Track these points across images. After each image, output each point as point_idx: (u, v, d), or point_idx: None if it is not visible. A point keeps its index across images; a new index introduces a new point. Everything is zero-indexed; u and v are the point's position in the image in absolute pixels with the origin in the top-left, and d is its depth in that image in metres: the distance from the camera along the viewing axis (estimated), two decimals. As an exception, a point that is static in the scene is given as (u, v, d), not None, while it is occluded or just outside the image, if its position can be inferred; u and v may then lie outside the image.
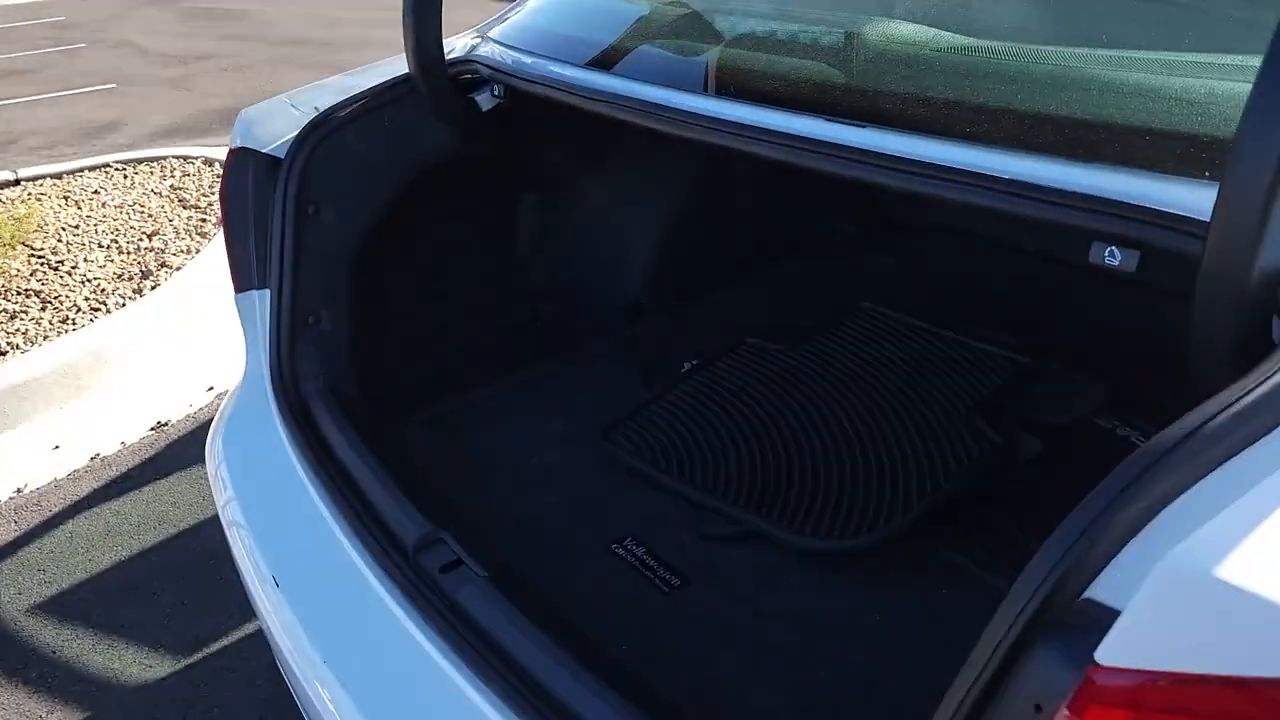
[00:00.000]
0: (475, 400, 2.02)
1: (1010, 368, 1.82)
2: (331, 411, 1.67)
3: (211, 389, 3.59)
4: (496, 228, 2.27)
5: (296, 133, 1.73)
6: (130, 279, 4.18)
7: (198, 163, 5.66)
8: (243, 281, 1.79)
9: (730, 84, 1.40)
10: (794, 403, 1.82)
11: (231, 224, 1.78)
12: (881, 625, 1.38)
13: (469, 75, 1.85)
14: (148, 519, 2.93)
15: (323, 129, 1.73)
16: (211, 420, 3.62)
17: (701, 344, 2.18)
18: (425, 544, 1.33)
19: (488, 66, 1.74)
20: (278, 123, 1.78)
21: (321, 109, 1.77)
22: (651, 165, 2.27)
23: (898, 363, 1.89)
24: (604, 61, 1.66)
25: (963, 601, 1.40)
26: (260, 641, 2.40)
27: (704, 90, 1.43)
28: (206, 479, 3.28)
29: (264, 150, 1.75)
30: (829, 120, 1.12)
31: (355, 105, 1.78)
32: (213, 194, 5.12)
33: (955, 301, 2.23)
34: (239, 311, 1.81)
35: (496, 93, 1.79)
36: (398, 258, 1.93)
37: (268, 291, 1.77)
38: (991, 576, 1.42)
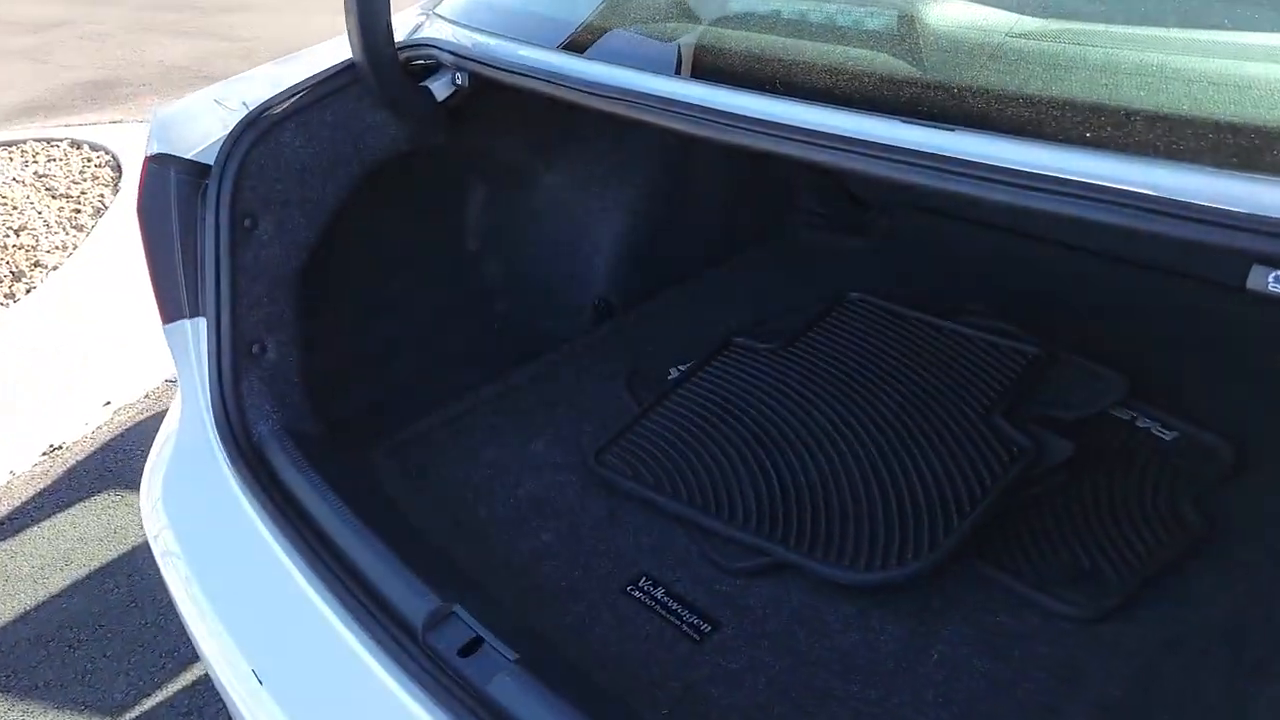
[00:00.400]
0: (443, 421, 1.82)
1: (1020, 359, 1.73)
2: (291, 456, 1.46)
3: (109, 404, 3.24)
4: (445, 225, 2.06)
5: (226, 134, 1.48)
6: None
7: (63, 145, 5.14)
8: (170, 311, 1.54)
9: (735, 71, 1.24)
10: (798, 409, 1.69)
11: (153, 245, 1.52)
12: (942, 662, 1.27)
13: (422, 61, 1.62)
14: (51, 560, 2.62)
15: (257, 128, 1.49)
16: (113, 440, 3.28)
17: (682, 344, 2.02)
18: (435, 621, 1.14)
19: (449, 52, 1.52)
20: (201, 123, 1.52)
21: (252, 105, 1.52)
22: (614, 152, 2.09)
23: (899, 359, 1.78)
24: (579, 44, 1.47)
25: (1020, 627, 1.31)
26: (204, 696, 2.16)
27: (705, 77, 1.26)
28: (114, 508, 2.96)
29: (187, 156, 1.50)
30: (906, 122, 0.97)
31: (292, 99, 1.54)
32: (85, 180, 4.65)
33: (937, 284, 2.14)
34: (170, 345, 1.56)
35: (459, 81, 1.57)
36: (342, 268, 1.70)
37: (202, 320, 1.52)
38: (1042, 596, 1.33)
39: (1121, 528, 1.43)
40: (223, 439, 1.47)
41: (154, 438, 1.61)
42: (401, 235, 1.91)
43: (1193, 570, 1.36)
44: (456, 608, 1.16)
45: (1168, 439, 1.60)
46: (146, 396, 3.33)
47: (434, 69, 1.66)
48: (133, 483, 2.91)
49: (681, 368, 1.90)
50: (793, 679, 1.27)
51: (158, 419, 3.21)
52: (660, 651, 1.33)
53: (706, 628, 1.36)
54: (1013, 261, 2.17)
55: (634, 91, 1.31)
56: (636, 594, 1.43)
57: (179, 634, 2.34)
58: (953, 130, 0.94)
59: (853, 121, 1.03)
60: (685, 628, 1.36)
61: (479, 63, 1.48)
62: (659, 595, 1.42)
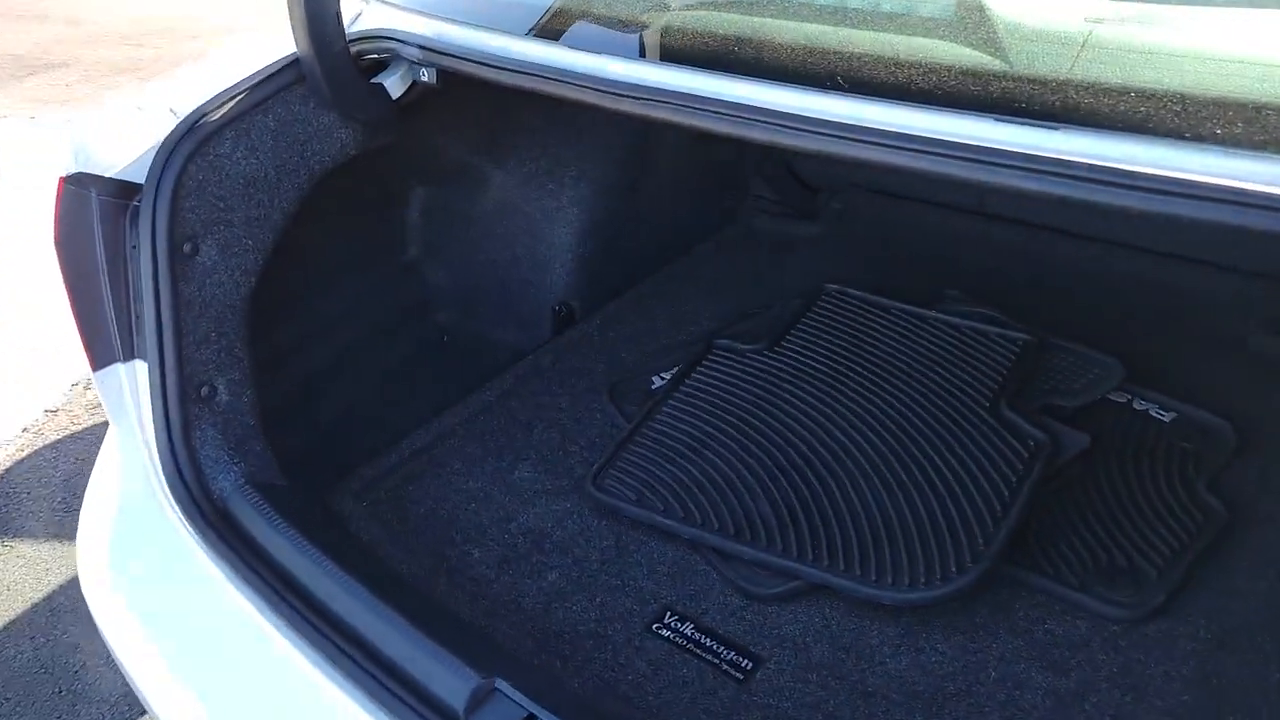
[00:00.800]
0: (410, 453, 1.65)
1: (1011, 347, 1.69)
2: (263, 512, 1.27)
3: (26, 431, 2.89)
4: (385, 232, 1.88)
5: (157, 146, 1.27)
6: None
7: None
8: (101, 354, 1.32)
9: (719, 54, 1.13)
10: (800, 414, 1.60)
11: (75, 280, 1.30)
12: (1001, 680, 1.21)
13: (375, 55, 1.44)
14: (-60, 628, 2.30)
15: (194, 138, 1.28)
16: (18, 462, 2.91)
17: (656, 348, 1.91)
18: (479, 700, 1.00)
19: (415, 45, 1.35)
20: (124, 135, 1.31)
21: (182, 112, 1.31)
22: (567, 146, 1.94)
23: (890, 354, 1.72)
24: (552, 30, 1.32)
25: (1071, 634, 1.26)
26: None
27: (690, 61, 1.14)
28: (16, 553, 2.63)
29: (111, 175, 1.28)
30: (933, 111, 0.87)
31: (230, 104, 1.34)
32: (-76, 189, 4.15)
33: (901, 268, 2.08)
34: (102, 394, 1.34)
35: (425, 77, 1.40)
36: (279, 287, 1.51)
37: (139, 363, 1.31)
38: (1087, 599, 1.29)
39: (1147, 518, 1.40)
40: (179, 499, 1.27)
41: (43, 477, 1.38)
42: (338, 246, 1.72)
43: (1223, 559, 1.35)
44: (499, 683, 1.02)
45: (1167, 420, 1.59)
46: (25, 430, 2.99)
47: (385, 64, 1.48)
48: (21, 530, 2.59)
49: (665, 375, 1.78)
50: (855, 715, 1.18)
51: (43, 455, 2.88)
52: (705, 698, 1.22)
53: (748, 664, 1.26)
54: (971, 241, 2.14)
55: (634, 85, 1.18)
56: (665, 633, 1.32)
57: (105, 701, 2.09)
58: (963, 115, 0.86)
59: (852, 108, 0.94)
60: (725, 666, 1.26)
61: (451, 56, 1.31)
62: (688, 631, 1.32)
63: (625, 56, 1.19)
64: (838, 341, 1.75)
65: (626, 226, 2.06)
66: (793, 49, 1.08)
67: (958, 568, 1.30)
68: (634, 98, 1.11)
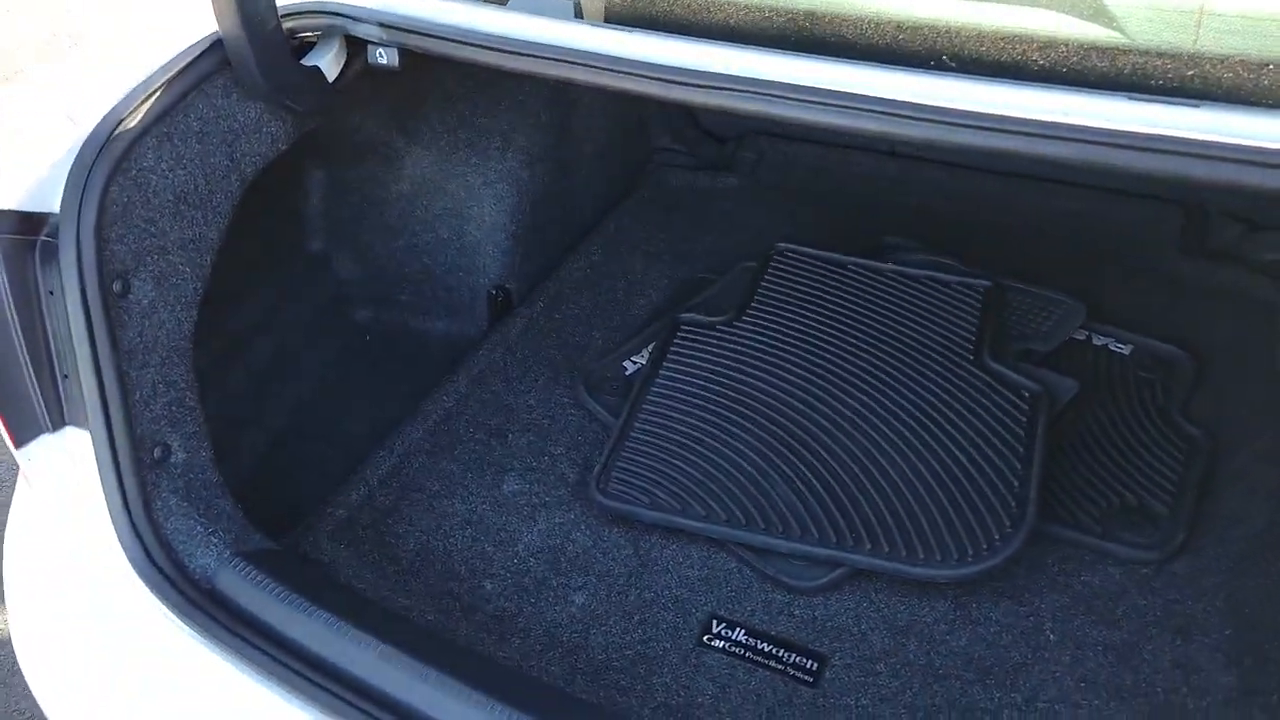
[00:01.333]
0: (378, 480, 1.48)
1: (974, 294, 1.69)
2: (261, 584, 1.09)
3: None
4: (283, 225, 1.65)
5: (67, 165, 1.02)
6: None
7: None
8: (22, 427, 1.07)
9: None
10: (791, 387, 1.54)
11: (-20, 340, 1.04)
12: (1061, 641, 1.22)
13: (308, 34, 1.21)
14: None
15: (110, 155, 1.04)
16: None
17: (612, 327, 1.79)
18: None
19: (369, 22, 1.14)
20: (20, 154, 1.04)
21: (90, 119, 1.06)
22: (489, 116, 1.75)
23: (858, 313, 1.68)
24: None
25: (1108, 584, 1.29)
26: None
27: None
28: None
29: (12, 207, 1.02)
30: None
31: (145, 105, 1.09)
32: None
33: (831, 216, 2.04)
34: (27, 474, 1.09)
35: (382, 58, 1.19)
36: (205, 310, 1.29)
37: (72, 431, 1.08)
38: (1113, 545, 1.31)
39: (1139, 454, 1.45)
40: (155, 585, 1.06)
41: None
42: (237, 248, 1.49)
43: (1217, 487, 1.40)
44: None
45: (1127, 353, 1.64)
46: None
47: (312, 43, 1.25)
48: None
49: (636, 359, 1.67)
50: (935, 701, 1.16)
51: None
52: (783, 709, 1.16)
53: (813, 664, 1.21)
54: (889, 183, 2.12)
55: (625, 60, 1.05)
56: (718, 644, 1.24)
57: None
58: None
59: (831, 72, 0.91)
60: (793, 671, 1.20)
61: (422, 34, 1.11)
62: (742, 639, 1.25)
63: (625, 27, 1.06)
64: (804, 304, 1.69)
65: (556, 197, 1.91)
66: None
67: (1000, 534, 1.29)
68: (642, 75, 0.98)
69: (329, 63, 1.24)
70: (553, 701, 1.06)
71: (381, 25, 1.13)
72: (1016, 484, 1.35)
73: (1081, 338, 1.67)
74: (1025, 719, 1.13)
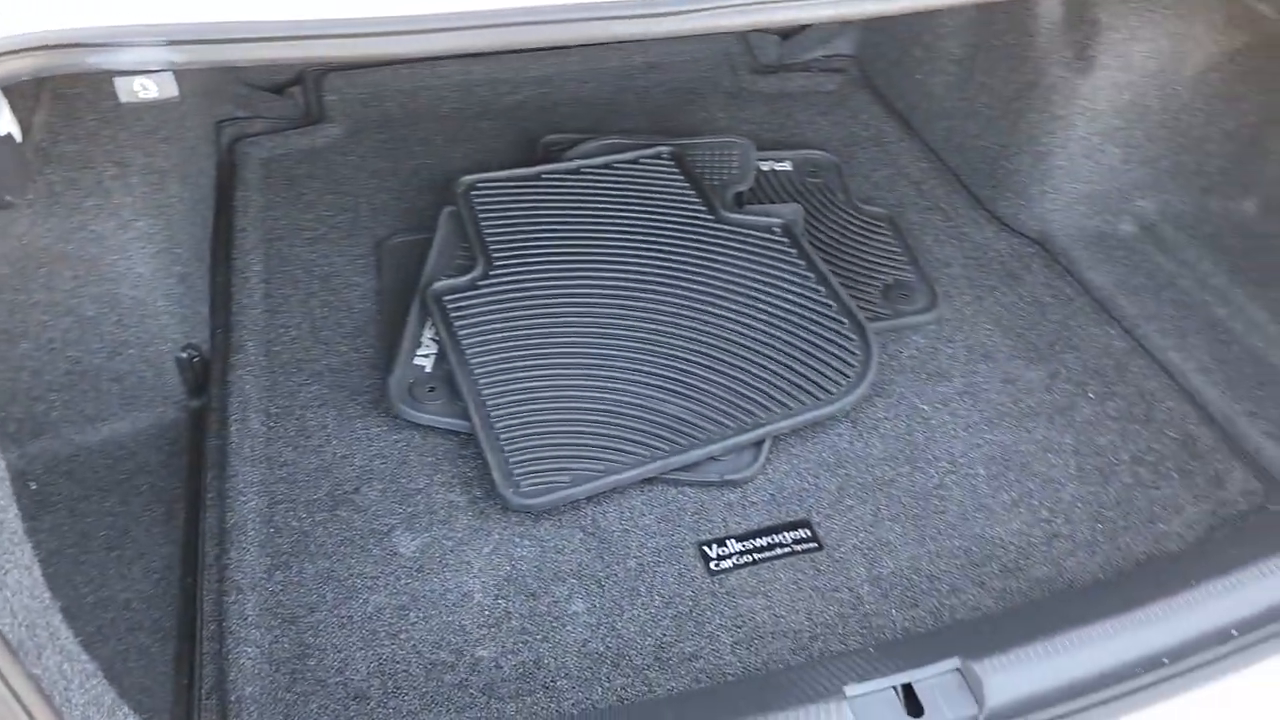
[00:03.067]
0: (252, 626, 1.11)
1: (670, 162, 1.72)
2: None
3: None
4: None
5: None
6: None
7: None
8: None
9: None
10: (596, 308, 1.44)
11: None
12: (934, 409, 1.40)
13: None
14: None
15: None
16: None
17: (356, 336, 1.49)
18: None
19: (144, 44, 0.73)
20: None
21: None
22: (79, 142, 1.27)
23: (595, 213, 1.61)
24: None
25: (926, 349, 1.49)
26: None
27: None
28: None
29: None
30: None
31: None
32: None
33: (447, 138, 1.88)
34: None
35: (145, 92, 0.78)
36: None
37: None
38: (912, 319, 1.51)
39: (865, 243, 1.66)
40: None
41: None
42: None
43: (921, 246, 1.68)
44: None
45: (790, 168, 1.83)
46: None
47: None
48: None
49: (423, 352, 1.42)
50: (896, 500, 1.27)
51: None
52: (821, 578, 1.19)
53: (805, 531, 1.24)
54: (485, 84, 2.01)
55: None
56: (726, 564, 1.21)
57: None
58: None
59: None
60: (797, 546, 1.23)
61: (203, 42, 0.75)
62: (739, 549, 1.23)
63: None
64: (540, 225, 1.58)
65: (204, 214, 1.47)
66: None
67: (858, 351, 1.40)
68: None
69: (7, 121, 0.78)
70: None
71: (168, 44, 0.72)
72: (834, 304, 1.46)
73: (757, 165, 1.81)
74: (959, 471, 1.30)
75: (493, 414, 1.30)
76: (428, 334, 1.44)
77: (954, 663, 0.88)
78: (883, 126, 1.93)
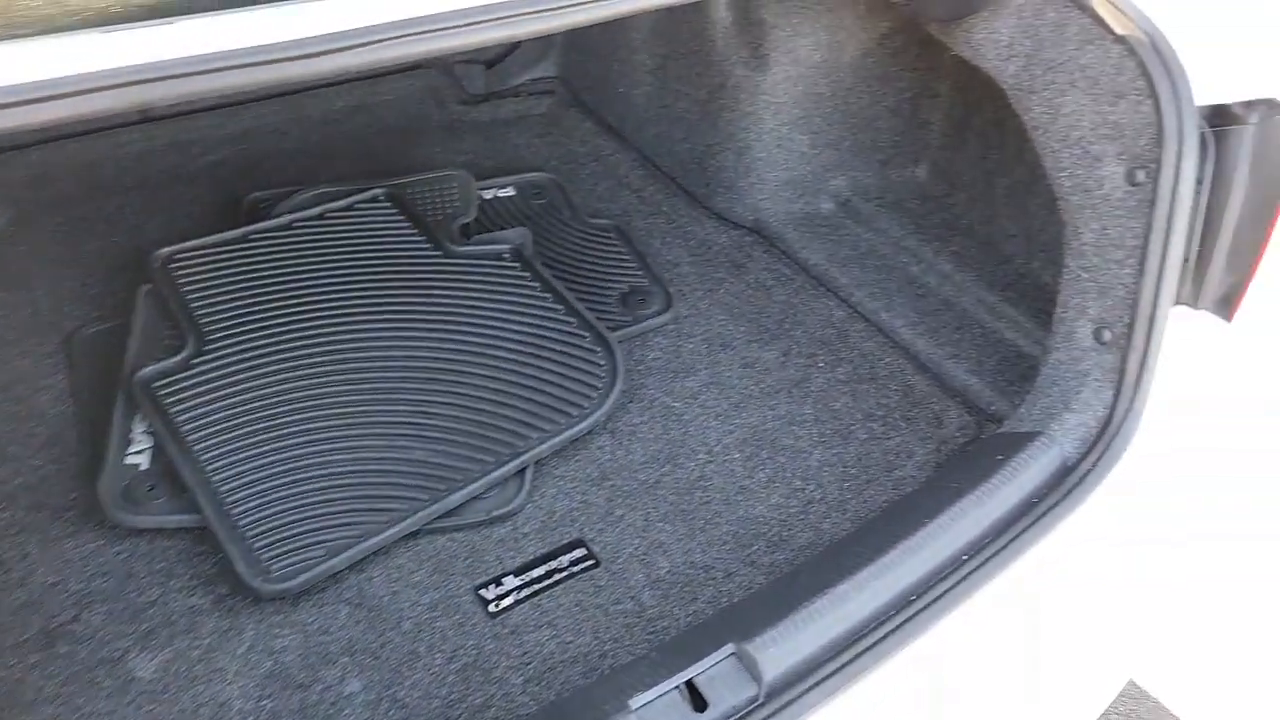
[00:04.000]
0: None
1: (386, 204, 1.65)
2: None
3: None
4: None
5: None
6: None
7: None
8: None
9: None
10: (330, 368, 1.35)
11: None
12: (685, 404, 1.43)
13: None
14: None
15: None
16: None
17: (49, 445, 1.30)
18: None
19: None
20: None
21: None
22: None
23: (311, 271, 1.51)
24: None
25: (669, 348, 1.52)
26: None
27: None
28: None
29: None
30: None
31: None
32: None
33: (139, 208, 1.71)
34: None
35: None
36: None
37: None
38: (651, 321, 1.53)
39: (597, 256, 1.67)
40: None
41: None
42: None
43: (653, 250, 1.71)
44: None
45: (514, 193, 1.81)
46: None
47: None
48: None
49: (135, 450, 1.26)
50: (669, 501, 1.28)
51: None
52: (601, 596, 1.17)
53: (581, 552, 1.22)
54: (168, 147, 1.85)
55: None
56: (506, 602, 1.16)
57: None
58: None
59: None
60: (575, 569, 1.20)
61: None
62: (515, 584, 1.18)
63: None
64: (250, 294, 1.45)
65: None
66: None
67: (603, 364, 1.40)
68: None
69: None
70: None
71: None
72: (574, 320, 1.45)
73: (480, 194, 1.78)
74: (716, 459, 1.33)
75: (227, 500, 1.18)
76: (139, 428, 1.28)
77: (729, 649, 0.88)
78: (597, 141, 1.96)
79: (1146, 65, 1.03)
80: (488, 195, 1.79)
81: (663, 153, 1.87)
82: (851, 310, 1.57)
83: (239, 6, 0.78)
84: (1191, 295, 1.08)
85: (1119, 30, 1.05)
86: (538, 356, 1.40)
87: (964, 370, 1.43)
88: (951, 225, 1.65)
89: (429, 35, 0.80)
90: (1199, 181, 1.03)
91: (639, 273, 1.64)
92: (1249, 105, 1.01)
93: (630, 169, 1.88)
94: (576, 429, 1.32)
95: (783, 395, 1.43)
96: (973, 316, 1.51)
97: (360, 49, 0.78)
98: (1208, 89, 1.02)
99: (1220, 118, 1.03)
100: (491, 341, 1.41)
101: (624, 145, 1.93)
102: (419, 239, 1.58)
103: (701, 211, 1.79)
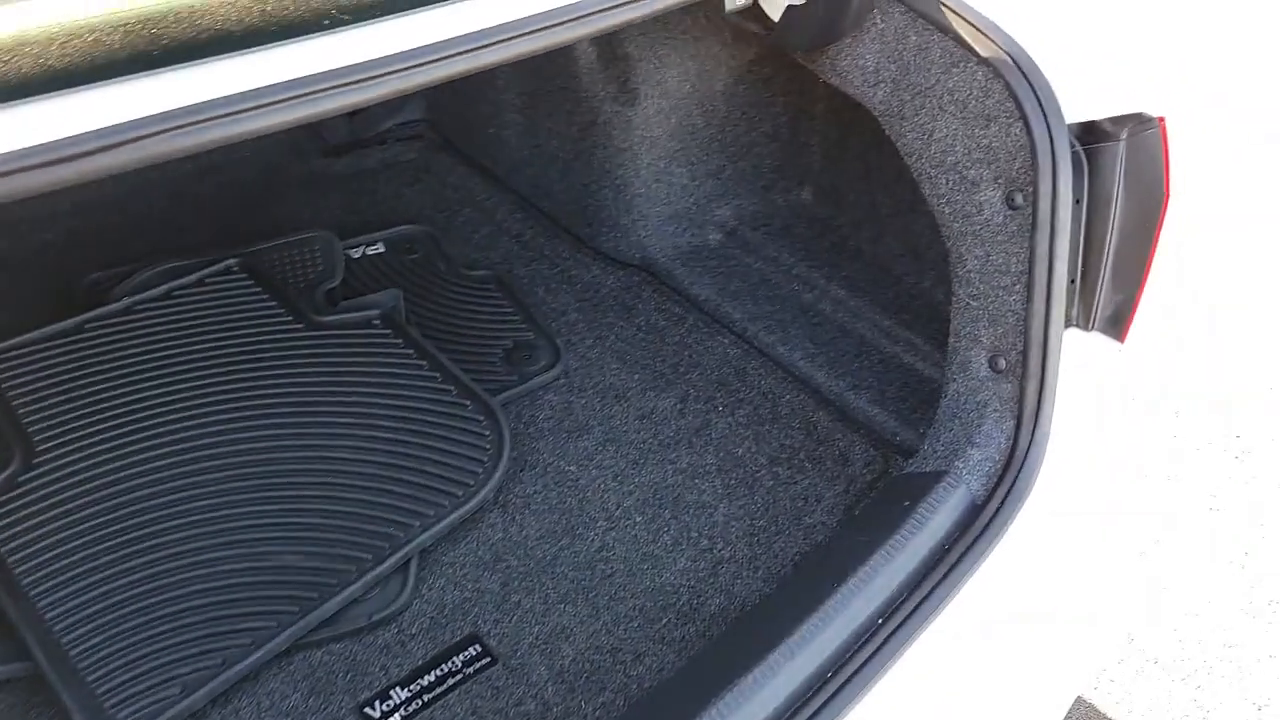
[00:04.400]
0: None
1: (239, 277, 1.51)
2: None
3: None
4: None
5: None
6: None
7: None
8: None
9: None
10: (185, 471, 1.22)
11: None
12: (580, 466, 1.34)
13: None
14: None
15: None
16: None
17: None
18: None
19: None
20: None
21: None
22: None
23: (162, 361, 1.37)
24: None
25: (560, 406, 1.43)
26: None
27: None
28: None
29: None
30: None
31: None
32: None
33: None
34: None
35: None
36: None
37: None
38: (537, 380, 1.44)
39: (478, 309, 1.57)
40: None
41: None
42: None
43: (526, 291, 1.62)
44: None
45: (384, 249, 1.69)
46: None
47: None
48: None
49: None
50: (560, 583, 1.19)
51: None
52: (499, 699, 1.06)
53: (475, 648, 1.12)
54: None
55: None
56: (395, 718, 1.05)
57: None
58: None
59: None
60: (470, 669, 1.10)
61: None
62: (405, 695, 1.07)
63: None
64: (87, 394, 1.30)
65: None
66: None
67: (489, 433, 1.30)
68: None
69: None
70: None
71: None
72: (453, 388, 1.35)
73: (349, 254, 1.66)
74: (617, 525, 1.24)
75: (63, 640, 1.03)
76: None
77: None
78: (471, 186, 1.86)
79: (1013, 87, 0.98)
80: (355, 255, 1.67)
81: (541, 194, 1.78)
82: (747, 346, 1.50)
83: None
84: (1082, 317, 1.04)
85: (983, 53, 1.00)
86: (417, 433, 1.29)
87: (866, 401, 1.38)
88: (840, 248, 1.60)
89: (309, 99, 0.72)
90: (1077, 201, 0.99)
91: (523, 326, 1.54)
92: (1118, 121, 0.98)
93: (508, 213, 1.79)
94: (463, 510, 1.21)
95: (683, 446, 1.36)
96: (870, 343, 1.46)
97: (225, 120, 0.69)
98: (1077, 106, 0.99)
99: (1091, 135, 0.99)
100: (363, 421, 1.29)
101: (500, 189, 1.84)
102: (279, 312, 1.45)
103: (586, 253, 1.70)
